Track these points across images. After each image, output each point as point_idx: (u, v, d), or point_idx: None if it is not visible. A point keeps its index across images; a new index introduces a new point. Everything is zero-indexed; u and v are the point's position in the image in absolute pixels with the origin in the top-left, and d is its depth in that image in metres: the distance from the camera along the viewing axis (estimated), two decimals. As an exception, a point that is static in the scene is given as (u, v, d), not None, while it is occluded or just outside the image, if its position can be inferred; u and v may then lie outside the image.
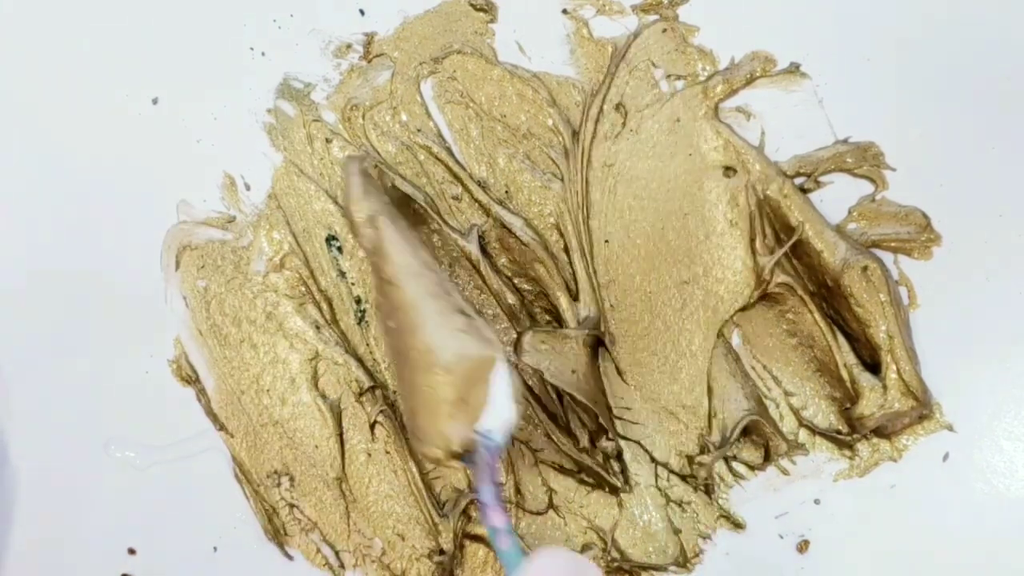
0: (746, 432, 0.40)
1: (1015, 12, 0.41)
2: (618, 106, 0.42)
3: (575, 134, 0.42)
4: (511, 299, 0.41)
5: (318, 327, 0.41)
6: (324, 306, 0.42)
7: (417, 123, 0.42)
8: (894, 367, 0.39)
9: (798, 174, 0.41)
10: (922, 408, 0.39)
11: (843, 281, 0.39)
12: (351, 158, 0.39)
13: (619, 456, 0.40)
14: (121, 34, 0.43)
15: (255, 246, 0.42)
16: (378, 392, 0.41)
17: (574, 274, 0.41)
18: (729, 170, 0.41)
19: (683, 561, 0.39)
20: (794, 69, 0.42)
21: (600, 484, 0.40)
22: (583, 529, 0.40)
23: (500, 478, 0.38)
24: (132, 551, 0.40)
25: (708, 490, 0.40)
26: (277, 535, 0.40)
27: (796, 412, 0.40)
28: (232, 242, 0.42)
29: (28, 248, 0.42)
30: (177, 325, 0.41)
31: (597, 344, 0.40)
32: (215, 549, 0.40)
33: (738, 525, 0.39)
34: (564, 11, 0.42)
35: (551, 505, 0.40)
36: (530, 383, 0.40)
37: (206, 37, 0.43)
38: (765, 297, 0.41)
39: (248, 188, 0.42)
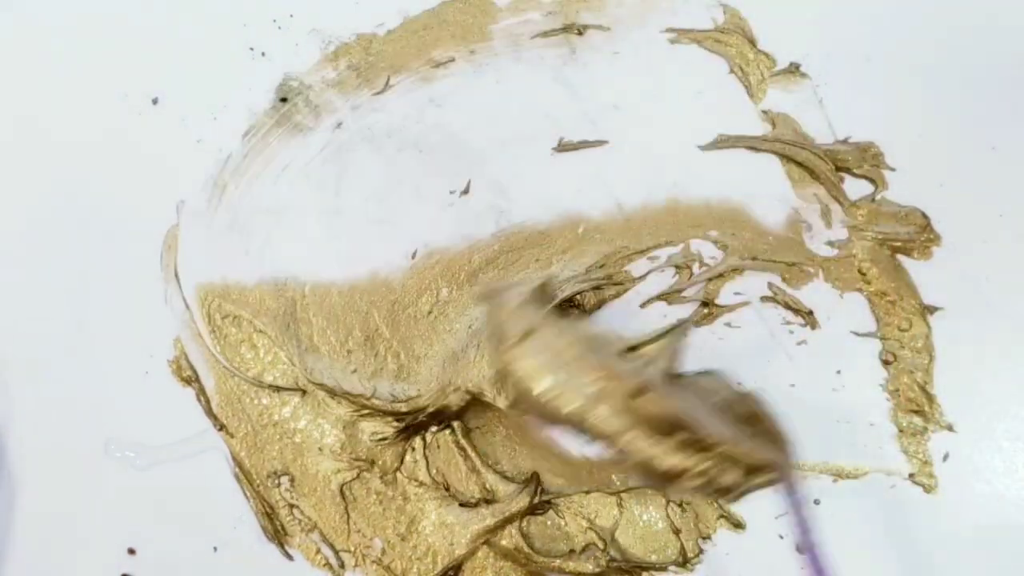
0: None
1: (1015, 12, 0.41)
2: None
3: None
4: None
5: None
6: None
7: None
8: None
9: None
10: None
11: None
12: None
13: None
14: (121, 34, 0.43)
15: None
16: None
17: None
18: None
19: (683, 561, 0.39)
20: (794, 69, 0.42)
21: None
22: (583, 529, 0.40)
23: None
24: (132, 551, 0.40)
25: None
26: (277, 535, 0.40)
27: None
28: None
29: (28, 248, 0.42)
30: (177, 325, 0.41)
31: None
32: (215, 549, 0.40)
33: (738, 525, 0.39)
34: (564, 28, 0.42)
35: (550, 504, 0.40)
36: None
37: (206, 37, 0.43)
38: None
39: (248, 188, 0.42)
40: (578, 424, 0.33)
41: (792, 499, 0.33)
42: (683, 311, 0.41)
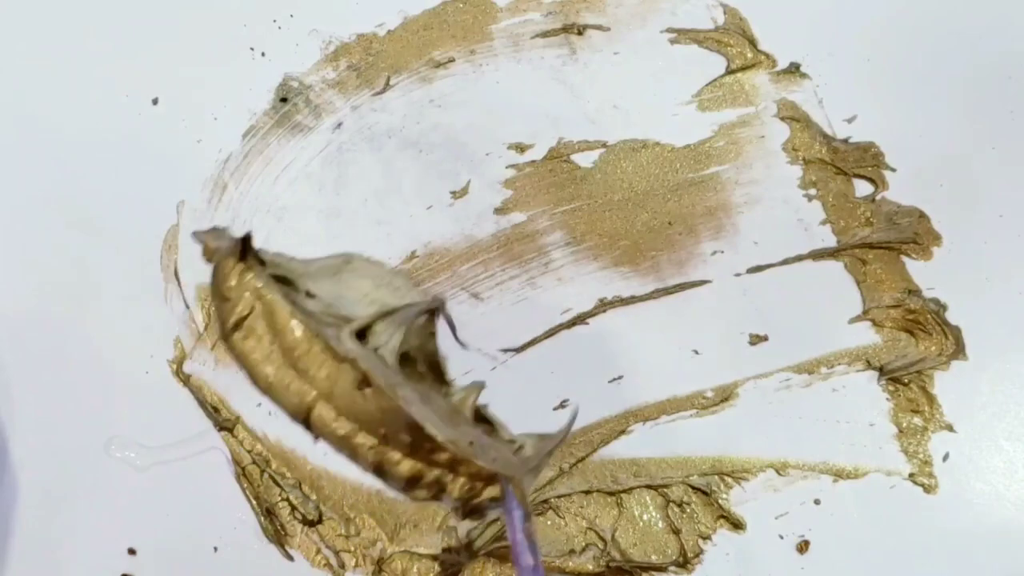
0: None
1: (1015, 12, 0.41)
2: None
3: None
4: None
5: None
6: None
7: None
8: None
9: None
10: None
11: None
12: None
13: None
14: (121, 34, 0.43)
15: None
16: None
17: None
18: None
19: (683, 561, 0.39)
20: (794, 69, 0.42)
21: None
22: (583, 529, 0.40)
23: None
24: (132, 551, 0.40)
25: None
26: (277, 535, 0.40)
27: None
28: (232, 242, 0.42)
29: (28, 248, 0.42)
30: (177, 325, 0.41)
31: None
32: (215, 549, 0.40)
33: (738, 525, 0.39)
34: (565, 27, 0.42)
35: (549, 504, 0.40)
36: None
37: (206, 37, 0.43)
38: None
39: (248, 188, 0.42)
40: (304, 425, 0.27)
41: (513, 515, 0.27)
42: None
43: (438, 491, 0.27)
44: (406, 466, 0.27)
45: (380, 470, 0.27)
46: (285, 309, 0.27)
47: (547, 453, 0.28)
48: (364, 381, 0.26)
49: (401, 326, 0.28)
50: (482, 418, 0.29)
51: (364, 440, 0.27)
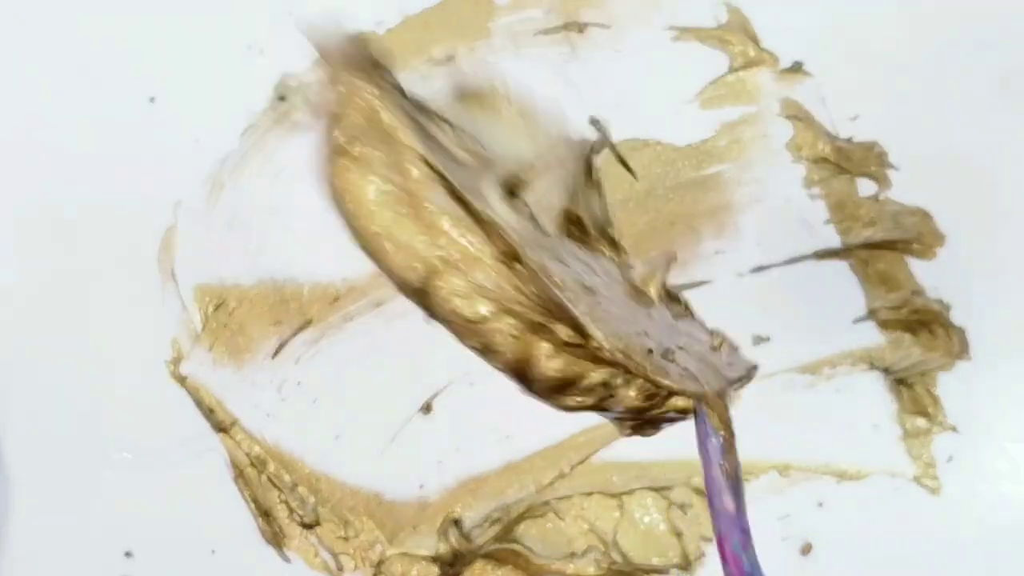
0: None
1: (1016, 12, 0.41)
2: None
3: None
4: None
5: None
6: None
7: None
8: None
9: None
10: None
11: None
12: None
13: None
14: (117, 31, 0.43)
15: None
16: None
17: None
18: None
19: (685, 564, 0.39)
20: (797, 68, 0.42)
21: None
22: (584, 531, 0.40)
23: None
24: (129, 554, 0.40)
25: None
26: (276, 537, 0.40)
27: None
28: (230, 242, 0.42)
29: (25, 248, 0.42)
30: (175, 326, 0.41)
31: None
32: (213, 552, 0.40)
33: (740, 527, 0.39)
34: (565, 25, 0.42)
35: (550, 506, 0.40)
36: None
37: (203, 35, 0.43)
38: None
39: (246, 187, 0.42)
40: (416, 295, 0.20)
41: (708, 443, 0.20)
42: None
43: (603, 397, 0.21)
44: (557, 364, 0.20)
45: (521, 366, 0.21)
46: (406, 136, 0.19)
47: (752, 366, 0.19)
48: (510, 253, 0.19)
49: (566, 176, 0.21)
50: (673, 299, 0.22)
51: (503, 326, 0.20)
